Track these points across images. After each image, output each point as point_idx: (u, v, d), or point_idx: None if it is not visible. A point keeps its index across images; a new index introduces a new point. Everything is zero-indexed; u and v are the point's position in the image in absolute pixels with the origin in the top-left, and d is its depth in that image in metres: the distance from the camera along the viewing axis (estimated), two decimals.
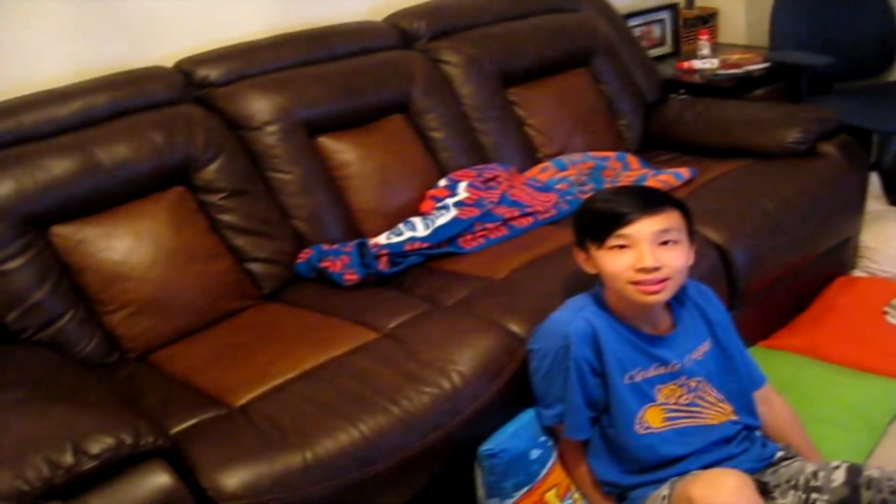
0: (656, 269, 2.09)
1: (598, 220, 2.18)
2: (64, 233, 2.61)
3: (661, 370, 2.22)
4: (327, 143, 3.15)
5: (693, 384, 2.24)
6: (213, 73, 3.09)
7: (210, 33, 3.27)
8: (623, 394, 2.19)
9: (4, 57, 2.88)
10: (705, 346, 2.29)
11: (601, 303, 2.26)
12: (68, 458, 1.84)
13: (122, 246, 2.64)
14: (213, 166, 2.87)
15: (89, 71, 2.96)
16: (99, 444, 1.87)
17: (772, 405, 2.39)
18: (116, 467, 1.89)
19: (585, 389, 2.21)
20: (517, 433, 2.30)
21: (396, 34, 3.57)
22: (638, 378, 2.20)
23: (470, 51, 3.58)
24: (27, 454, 1.84)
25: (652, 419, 2.21)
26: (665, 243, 2.12)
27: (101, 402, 2.12)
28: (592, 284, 2.33)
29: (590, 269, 2.26)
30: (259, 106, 3.03)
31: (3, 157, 2.59)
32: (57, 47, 2.97)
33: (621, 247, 2.13)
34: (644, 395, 2.21)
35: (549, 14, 3.92)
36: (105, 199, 2.69)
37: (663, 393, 2.22)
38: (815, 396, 2.79)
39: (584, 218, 2.27)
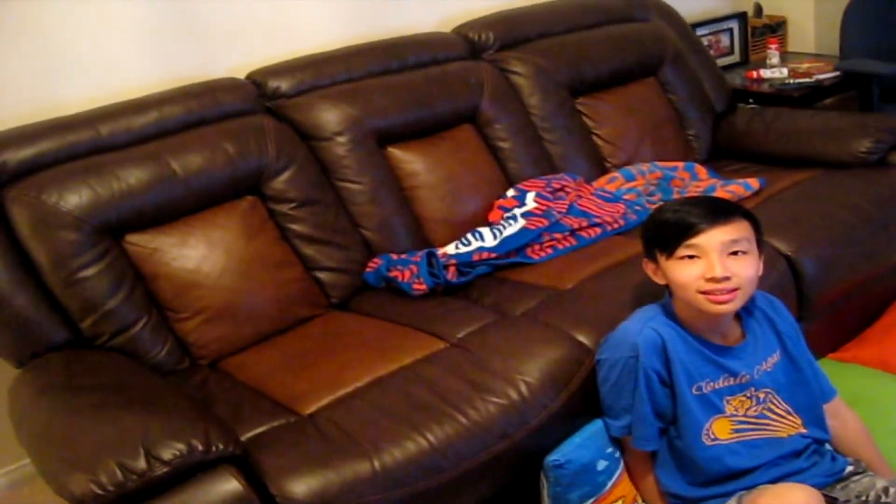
0: (726, 278, 2.08)
1: (668, 231, 2.17)
2: (139, 241, 2.66)
3: (730, 381, 2.20)
4: (396, 152, 3.17)
5: (762, 396, 2.22)
6: (284, 84, 3.13)
7: (282, 44, 3.31)
8: (691, 405, 2.18)
9: (84, 67, 2.95)
10: (775, 358, 2.26)
11: (670, 313, 2.25)
12: (141, 464, 1.87)
13: (195, 254, 2.68)
14: (284, 176, 2.90)
15: (164, 81, 3.02)
16: (171, 451, 1.90)
17: (842, 419, 2.35)
18: (187, 473, 1.92)
19: (654, 400, 2.20)
20: (584, 444, 2.29)
21: (465, 45, 3.59)
22: (706, 389, 2.19)
23: (538, 61, 3.59)
24: (101, 458, 1.88)
25: (720, 431, 2.19)
26: (735, 253, 2.11)
27: (174, 409, 2.15)
28: (660, 295, 2.32)
29: (659, 280, 2.26)
30: (329, 116, 3.06)
31: (81, 166, 2.64)
32: (134, 58, 3.04)
33: (691, 257, 2.12)
34: (712, 406, 2.19)
35: (618, 24, 3.92)
36: (179, 208, 2.73)
37: (732, 404, 2.20)
38: (885, 410, 2.74)
39: (654, 228, 2.26)
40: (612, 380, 2.26)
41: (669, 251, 2.16)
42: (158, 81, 3.02)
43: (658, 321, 2.23)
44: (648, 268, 2.30)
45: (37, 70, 2.87)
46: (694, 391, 2.18)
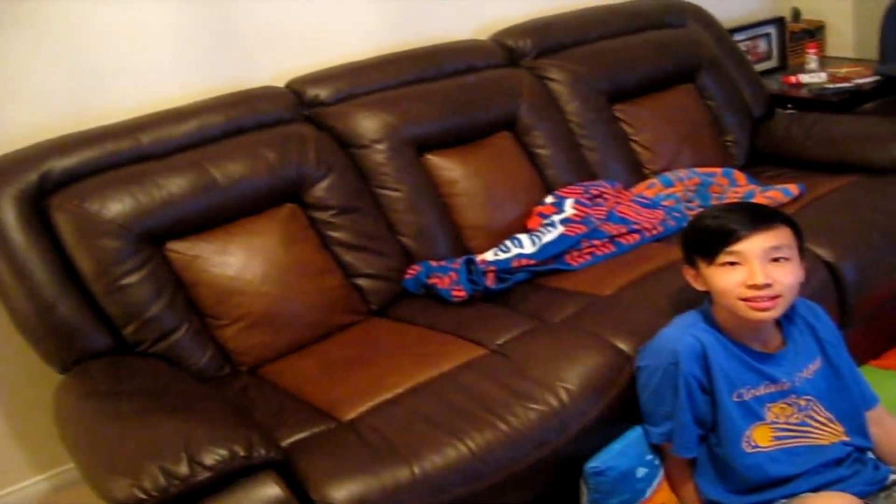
0: (767, 285, 2.07)
1: (708, 237, 2.17)
2: (179, 248, 2.68)
3: (771, 388, 2.20)
4: (435, 160, 3.18)
5: (803, 403, 2.21)
6: (323, 92, 3.15)
7: (320, 53, 3.33)
8: (731, 411, 2.18)
9: (124, 76, 2.98)
10: (816, 365, 2.25)
11: (710, 320, 2.25)
12: (183, 469, 1.89)
13: (235, 261, 2.70)
14: (323, 184, 2.92)
15: (203, 90, 3.05)
16: (213, 456, 1.92)
17: (885, 426, 2.33)
18: (229, 478, 1.94)
19: (694, 407, 2.20)
20: (624, 451, 2.29)
21: (502, 52, 3.59)
22: (747, 396, 2.18)
23: (575, 68, 3.59)
24: (144, 463, 1.90)
25: (760, 438, 2.19)
26: (776, 260, 2.10)
27: (215, 415, 2.17)
28: (700, 301, 2.32)
29: (699, 286, 2.25)
30: (368, 124, 3.07)
31: (123, 175, 2.67)
32: (173, 68, 3.07)
33: (732, 263, 2.11)
34: (753, 413, 2.19)
35: (655, 30, 3.92)
36: (219, 215, 2.75)
37: (773, 411, 2.20)
38: None
39: (694, 235, 2.26)
40: (652, 386, 2.26)
41: (710, 258, 2.15)
42: (198, 90, 3.05)
43: (698, 328, 2.23)
44: (688, 274, 2.29)
45: (78, 79, 2.90)
46: (734, 398, 2.18)
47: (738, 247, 2.10)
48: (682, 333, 2.22)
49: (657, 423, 2.28)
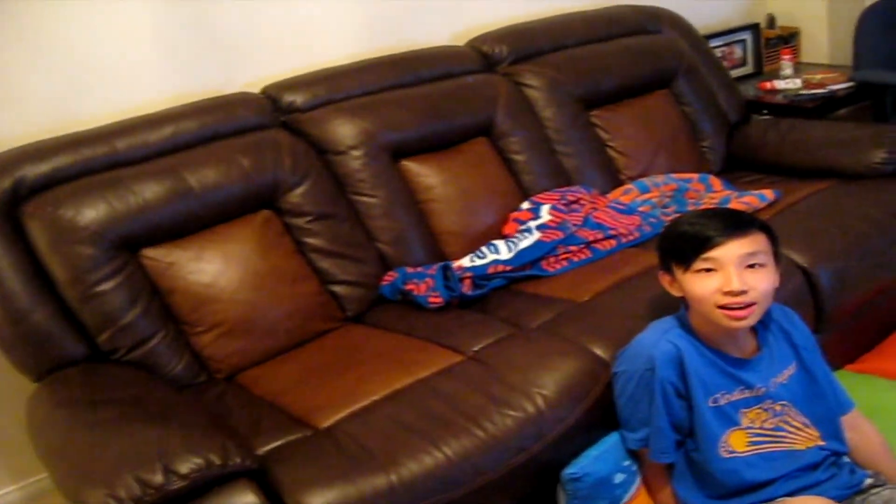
0: (743, 292, 2.08)
1: (685, 243, 2.17)
2: (155, 255, 2.66)
3: (746, 394, 2.20)
4: (411, 166, 3.18)
5: (778, 408, 2.21)
6: (298, 98, 3.14)
7: (297, 59, 3.33)
8: (707, 417, 2.18)
9: (101, 82, 2.98)
10: (790, 370, 2.26)
11: (686, 325, 2.25)
12: (158, 478, 1.88)
13: (211, 268, 2.69)
14: (299, 190, 2.91)
15: (180, 96, 3.04)
16: (188, 464, 1.91)
17: (860, 431, 2.33)
18: (204, 487, 1.93)
19: (671, 412, 2.20)
20: (601, 457, 2.29)
21: (479, 58, 3.60)
22: (723, 401, 2.19)
23: (552, 74, 3.59)
24: (119, 472, 1.89)
25: (736, 443, 2.19)
26: (752, 266, 2.11)
27: (191, 423, 2.16)
28: (677, 307, 2.32)
29: (675, 292, 2.26)
30: (344, 130, 3.07)
31: (97, 181, 2.65)
32: (150, 73, 3.07)
33: (708, 270, 2.11)
34: (728, 418, 2.19)
35: (631, 36, 3.93)
36: (195, 222, 2.74)
37: (748, 417, 2.20)
38: None
39: (670, 241, 2.26)
40: (628, 392, 2.26)
41: (686, 264, 2.15)
42: (174, 96, 3.04)
43: (674, 333, 2.23)
44: (664, 280, 2.30)
45: (54, 85, 2.89)
46: (710, 403, 2.18)
47: (714, 253, 2.10)
48: (658, 339, 2.23)
49: (634, 428, 2.28)
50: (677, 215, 2.58)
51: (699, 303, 2.15)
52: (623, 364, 2.30)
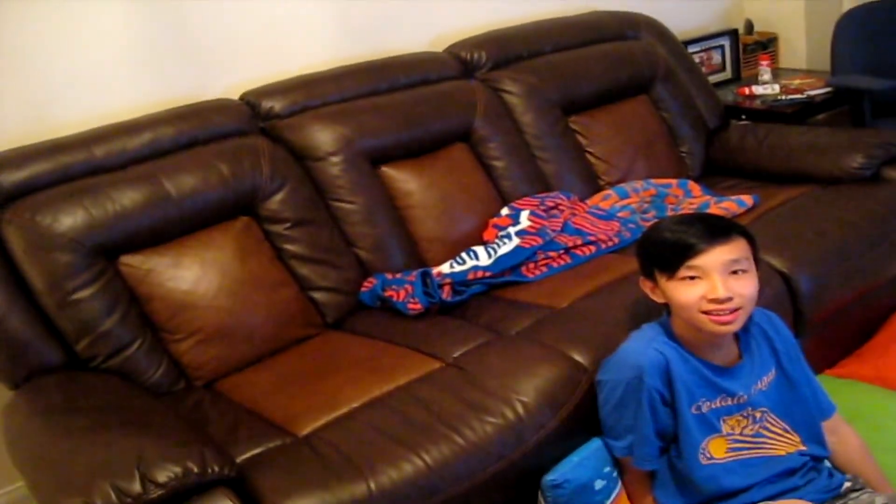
0: (729, 299, 2.07)
1: (667, 251, 2.16)
2: (133, 262, 2.65)
3: (728, 401, 2.20)
4: (390, 172, 3.17)
5: (758, 415, 2.22)
6: (277, 104, 3.13)
7: (275, 65, 3.32)
8: (689, 423, 2.18)
9: (78, 89, 2.96)
10: (770, 377, 2.26)
11: (670, 333, 2.25)
12: (136, 487, 1.87)
13: (189, 275, 2.68)
14: (278, 196, 2.91)
15: (158, 103, 3.02)
16: (166, 473, 1.89)
17: (841, 435, 2.33)
18: (182, 496, 1.92)
19: (657, 420, 2.19)
20: (582, 463, 2.29)
21: (457, 64, 3.60)
22: (705, 409, 2.19)
23: (530, 80, 3.60)
24: (96, 481, 1.88)
25: (715, 450, 2.19)
26: (735, 272, 2.11)
27: (169, 431, 2.15)
28: (656, 313, 2.32)
29: (657, 299, 2.25)
30: (323, 137, 3.06)
31: (75, 188, 2.64)
32: (128, 80, 3.05)
33: (692, 278, 2.11)
34: (710, 425, 2.19)
35: (609, 42, 3.94)
36: (173, 229, 2.73)
37: (728, 424, 2.20)
38: (884, 425, 2.73)
39: (651, 248, 2.25)
40: (614, 401, 2.25)
41: (670, 272, 2.14)
42: (153, 102, 3.03)
43: (660, 341, 2.22)
44: (645, 286, 2.29)
45: (32, 91, 2.87)
46: (693, 410, 2.18)
47: (698, 261, 2.10)
48: (645, 347, 2.21)
49: (619, 436, 2.27)
50: (656, 221, 2.57)
51: (684, 310, 2.14)
52: (608, 373, 2.29)
